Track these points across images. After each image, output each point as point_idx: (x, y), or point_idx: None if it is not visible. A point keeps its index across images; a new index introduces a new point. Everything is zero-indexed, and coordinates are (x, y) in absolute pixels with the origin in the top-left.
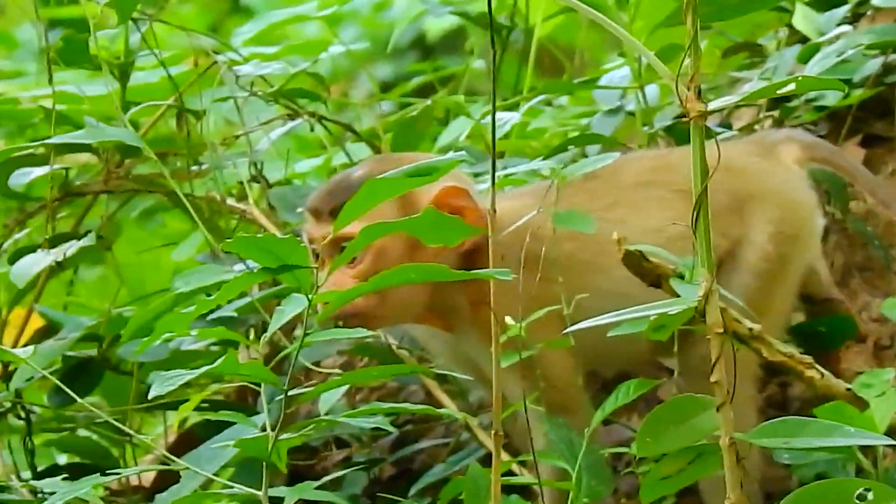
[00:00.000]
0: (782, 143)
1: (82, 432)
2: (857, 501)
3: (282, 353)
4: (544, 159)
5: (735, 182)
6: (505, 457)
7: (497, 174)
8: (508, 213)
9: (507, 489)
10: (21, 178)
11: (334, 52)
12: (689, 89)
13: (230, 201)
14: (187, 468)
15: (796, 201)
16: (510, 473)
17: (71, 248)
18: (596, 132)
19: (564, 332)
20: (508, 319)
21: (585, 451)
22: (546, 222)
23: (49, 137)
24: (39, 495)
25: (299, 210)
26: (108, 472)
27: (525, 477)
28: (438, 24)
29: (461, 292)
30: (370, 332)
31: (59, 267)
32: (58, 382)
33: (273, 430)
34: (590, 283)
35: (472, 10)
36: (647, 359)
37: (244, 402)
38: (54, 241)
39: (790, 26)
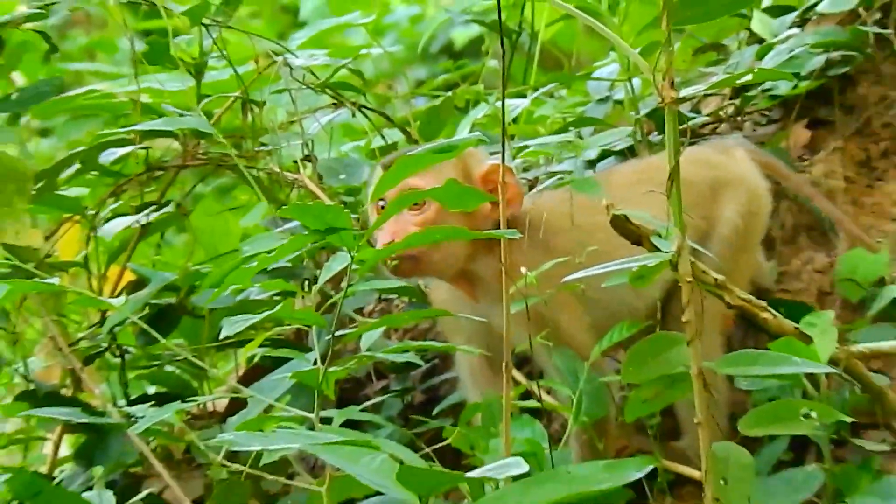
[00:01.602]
0: (733, 147)
1: (167, 368)
2: (803, 419)
3: (330, 301)
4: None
5: (713, 173)
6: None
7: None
8: (539, 206)
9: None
10: (108, 156)
11: (376, 56)
12: (664, 80)
13: (287, 174)
14: (253, 396)
15: (758, 186)
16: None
17: (154, 213)
18: (590, 116)
19: (568, 279)
20: (522, 269)
21: (586, 378)
22: (565, 217)
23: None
24: (132, 419)
25: (342, 177)
26: (188, 399)
27: (530, 402)
28: (464, 34)
29: (491, 263)
30: (404, 284)
31: (146, 229)
32: (144, 325)
33: (323, 364)
34: (597, 262)
35: (487, 19)
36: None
37: (300, 341)
38: (142, 209)
39: (749, 29)
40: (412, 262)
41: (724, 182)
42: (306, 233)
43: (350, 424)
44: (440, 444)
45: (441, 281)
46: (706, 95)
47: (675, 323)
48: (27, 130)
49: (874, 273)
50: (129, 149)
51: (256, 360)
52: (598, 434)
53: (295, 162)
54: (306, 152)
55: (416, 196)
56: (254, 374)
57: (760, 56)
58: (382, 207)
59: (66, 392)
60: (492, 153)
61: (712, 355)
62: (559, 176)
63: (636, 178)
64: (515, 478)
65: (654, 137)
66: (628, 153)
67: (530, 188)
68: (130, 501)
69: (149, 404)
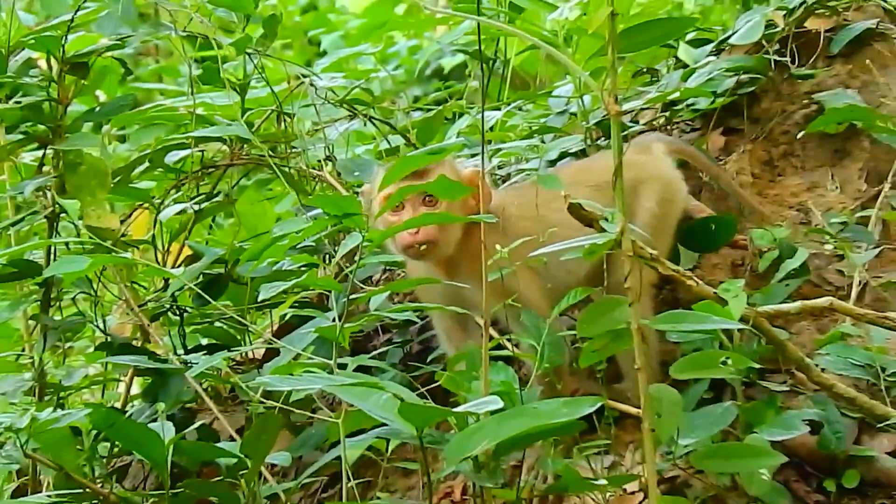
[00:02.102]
0: (653, 142)
1: (217, 324)
2: (720, 366)
3: (345, 271)
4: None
5: (632, 173)
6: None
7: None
8: (502, 201)
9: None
10: (171, 157)
11: (382, 78)
12: (609, 96)
13: (312, 171)
14: (284, 347)
15: (671, 178)
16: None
17: (207, 201)
18: (550, 125)
19: (533, 254)
20: (497, 247)
21: (548, 332)
22: (522, 209)
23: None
24: (188, 365)
25: (356, 173)
26: (233, 349)
27: (505, 351)
28: (452, 61)
29: (465, 247)
30: (400, 259)
31: (200, 214)
32: (199, 290)
33: (340, 321)
34: (549, 242)
35: (470, 49)
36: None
37: (322, 303)
38: (197, 198)
39: (676, 57)
40: (432, 246)
41: (642, 179)
42: (327, 217)
43: (361, 369)
44: (433, 386)
45: (420, 263)
46: (643, 109)
47: (615, 288)
48: (108, 136)
49: (775, 235)
50: (187, 151)
51: (287, 317)
52: (556, 377)
53: (318, 161)
54: (327, 154)
55: (417, 187)
56: (285, 329)
57: (685, 78)
58: (403, 206)
59: (137, 343)
60: (473, 154)
61: (645, 314)
62: (526, 172)
63: (578, 176)
64: (493, 412)
65: (602, 142)
66: (581, 154)
67: (503, 181)
68: (186, 430)
69: (202, 353)
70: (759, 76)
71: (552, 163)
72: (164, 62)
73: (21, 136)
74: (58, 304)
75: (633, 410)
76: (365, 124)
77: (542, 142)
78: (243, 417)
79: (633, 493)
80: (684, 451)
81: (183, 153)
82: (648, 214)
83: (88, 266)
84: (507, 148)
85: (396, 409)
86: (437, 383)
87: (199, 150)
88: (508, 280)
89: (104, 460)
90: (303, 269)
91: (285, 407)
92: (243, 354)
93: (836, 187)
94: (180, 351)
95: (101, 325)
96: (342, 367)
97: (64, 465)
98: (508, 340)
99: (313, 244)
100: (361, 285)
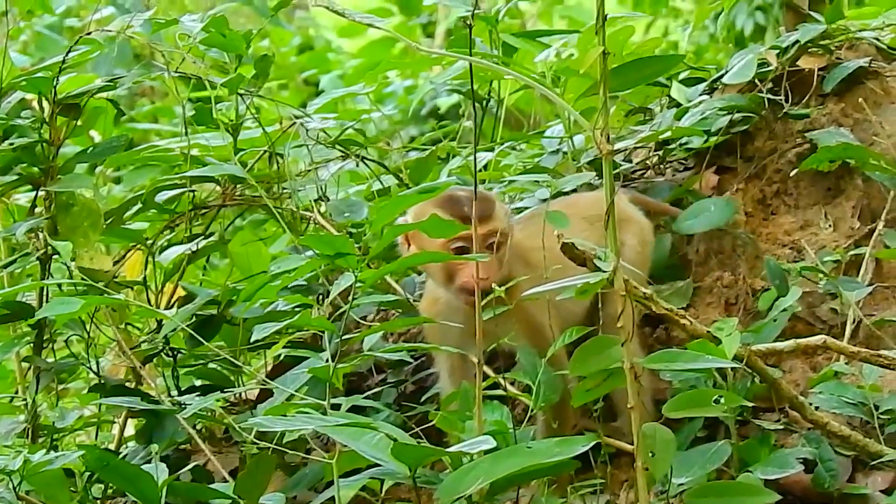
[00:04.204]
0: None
1: (210, 365)
2: (714, 404)
3: (339, 312)
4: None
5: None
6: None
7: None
8: (521, 235)
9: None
10: (164, 197)
11: (377, 118)
12: (602, 136)
13: (305, 211)
14: (278, 387)
15: (645, 222)
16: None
17: (201, 242)
18: (543, 165)
19: (531, 292)
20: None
21: (543, 370)
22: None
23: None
24: (182, 406)
25: (347, 214)
26: (226, 390)
27: (498, 391)
28: (447, 101)
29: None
30: (397, 298)
31: (194, 255)
32: (191, 331)
33: (333, 361)
34: (556, 276)
35: (464, 89)
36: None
37: (316, 343)
38: (190, 239)
39: (669, 96)
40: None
41: (622, 218)
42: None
43: (355, 409)
44: (427, 425)
45: (441, 297)
46: (636, 148)
47: (608, 325)
48: (102, 177)
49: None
50: (180, 191)
51: (281, 358)
52: (557, 416)
53: (311, 202)
54: (320, 194)
55: (407, 227)
56: (279, 369)
57: (678, 117)
58: (458, 249)
59: (130, 385)
60: None
61: (637, 352)
62: (525, 210)
63: (567, 209)
64: (486, 452)
65: (595, 181)
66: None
67: None
68: (180, 471)
69: (195, 394)
70: (752, 115)
71: (543, 201)
72: (159, 103)
73: (14, 178)
74: (51, 345)
75: (628, 448)
76: (357, 164)
77: (536, 182)
78: (237, 458)
79: None
80: (678, 489)
81: (176, 192)
82: (632, 252)
83: (81, 307)
84: (501, 188)
85: (389, 449)
86: (432, 423)
87: (191, 190)
88: (536, 311)
89: (98, 502)
90: (296, 309)
91: (279, 448)
92: (237, 395)
93: (830, 225)
94: (174, 392)
95: (95, 367)
96: (336, 407)
97: None
98: (503, 378)
99: (306, 284)
100: (362, 321)
